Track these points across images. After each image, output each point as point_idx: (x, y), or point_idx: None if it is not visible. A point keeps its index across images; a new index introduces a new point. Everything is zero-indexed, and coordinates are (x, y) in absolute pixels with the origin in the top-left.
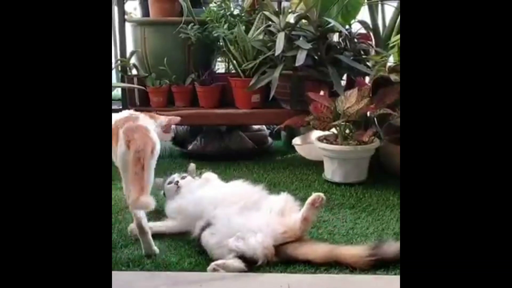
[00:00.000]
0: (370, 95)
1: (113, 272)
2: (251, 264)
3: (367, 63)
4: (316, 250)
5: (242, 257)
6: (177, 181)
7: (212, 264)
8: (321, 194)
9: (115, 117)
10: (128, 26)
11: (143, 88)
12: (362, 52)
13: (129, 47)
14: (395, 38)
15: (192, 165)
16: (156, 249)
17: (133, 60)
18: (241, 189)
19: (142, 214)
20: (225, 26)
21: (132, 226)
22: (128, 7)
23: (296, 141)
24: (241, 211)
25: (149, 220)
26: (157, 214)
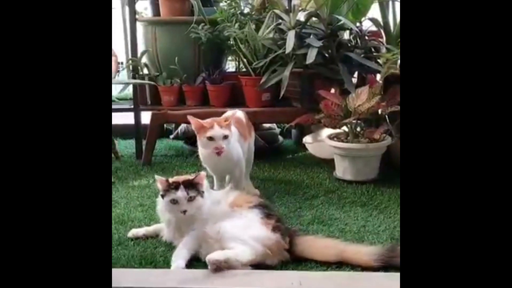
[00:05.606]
0: (381, 92)
1: (125, 269)
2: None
3: (378, 60)
4: (323, 253)
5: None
6: (185, 210)
7: (211, 260)
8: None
9: None
10: (139, 26)
11: (151, 83)
12: (373, 50)
13: (140, 47)
14: None
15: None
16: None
17: (144, 60)
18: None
19: None
20: (236, 25)
21: (134, 231)
22: (139, 6)
23: (307, 139)
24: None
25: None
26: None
